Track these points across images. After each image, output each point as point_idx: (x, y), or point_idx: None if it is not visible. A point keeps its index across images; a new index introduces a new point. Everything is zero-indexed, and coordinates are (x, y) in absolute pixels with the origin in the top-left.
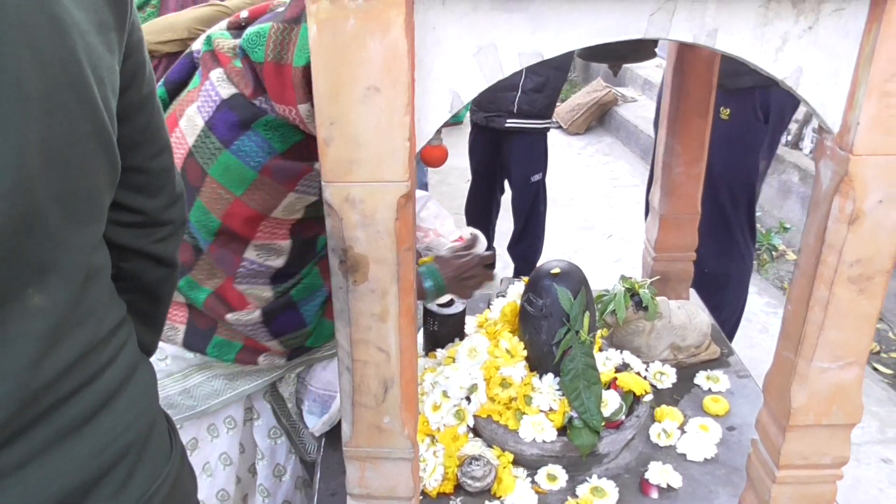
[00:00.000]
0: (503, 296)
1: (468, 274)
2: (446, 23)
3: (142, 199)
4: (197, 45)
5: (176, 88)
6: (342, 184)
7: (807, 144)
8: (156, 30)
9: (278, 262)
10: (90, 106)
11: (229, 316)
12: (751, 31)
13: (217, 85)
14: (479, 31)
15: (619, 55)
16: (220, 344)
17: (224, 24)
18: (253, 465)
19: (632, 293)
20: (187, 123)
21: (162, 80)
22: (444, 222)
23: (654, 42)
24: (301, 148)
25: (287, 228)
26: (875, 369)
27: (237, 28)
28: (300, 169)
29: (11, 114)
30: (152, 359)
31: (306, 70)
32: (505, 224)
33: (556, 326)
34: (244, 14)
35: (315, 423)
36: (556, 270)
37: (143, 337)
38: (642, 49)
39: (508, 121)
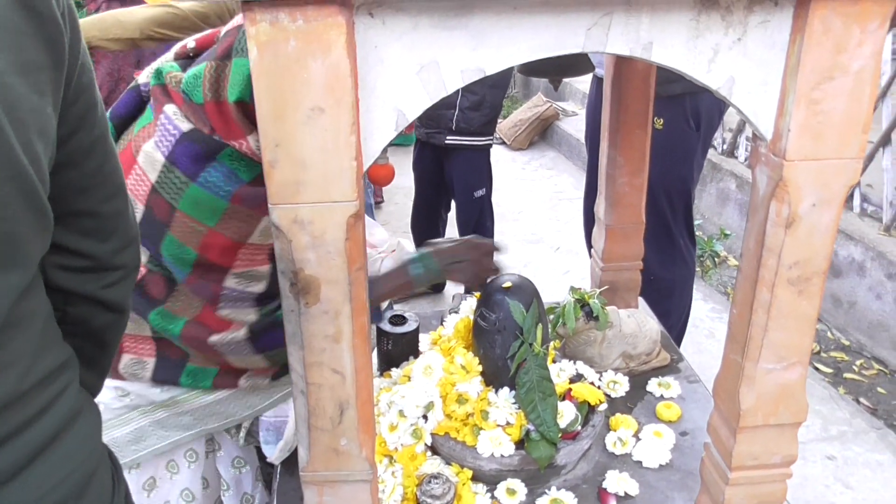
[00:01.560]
0: (456, 312)
1: (463, 258)
2: (387, 42)
3: (91, 243)
4: (143, 79)
5: (123, 123)
6: (289, 205)
7: (741, 153)
8: (103, 27)
9: (259, 287)
10: (3, 149)
11: (212, 338)
12: (684, 43)
13: (174, 119)
14: (420, 49)
15: (558, 70)
16: (193, 372)
17: (171, 54)
18: (219, 498)
19: (582, 304)
20: (146, 160)
21: (109, 115)
22: (374, 231)
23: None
24: None
25: (266, 253)
26: (816, 369)
27: (185, 58)
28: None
29: None
30: (112, 397)
31: (240, 105)
32: None
33: (509, 340)
34: (191, 44)
35: (272, 452)
36: (508, 284)
37: (85, 381)
38: (580, 63)
39: (448, 138)
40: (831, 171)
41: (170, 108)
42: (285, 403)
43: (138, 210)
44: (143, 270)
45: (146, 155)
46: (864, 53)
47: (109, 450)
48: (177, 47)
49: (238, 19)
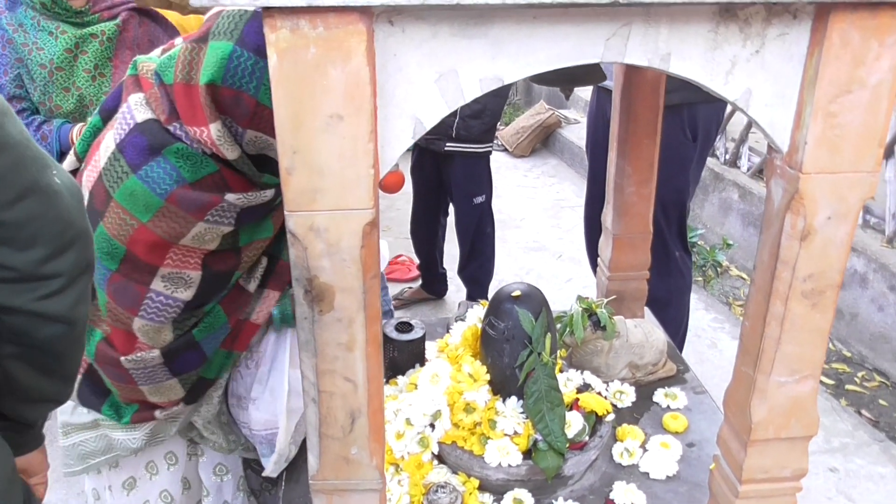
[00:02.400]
0: (462, 320)
1: None
2: (407, 50)
3: (7, 252)
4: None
5: (109, 116)
6: (306, 213)
7: (744, 163)
8: None
9: (187, 294)
10: None
11: (125, 359)
12: (702, 55)
13: (134, 109)
14: (439, 57)
15: (570, 79)
16: (115, 405)
17: (158, 50)
18: (199, 502)
19: (589, 313)
20: (103, 148)
21: (98, 109)
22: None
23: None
24: (215, 180)
25: (199, 258)
26: None
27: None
28: (209, 200)
29: None
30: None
31: (210, 88)
32: (455, 248)
33: (518, 349)
34: (178, 41)
35: (268, 465)
36: (517, 293)
37: (47, 389)
38: (592, 73)
39: (447, 145)
40: (847, 185)
41: (134, 98)
42: (273, 417)
43: (85, 199)
44: None
45: (105, 144)
46: (881, 67)
47: (25, 485)
48: (167, 45)
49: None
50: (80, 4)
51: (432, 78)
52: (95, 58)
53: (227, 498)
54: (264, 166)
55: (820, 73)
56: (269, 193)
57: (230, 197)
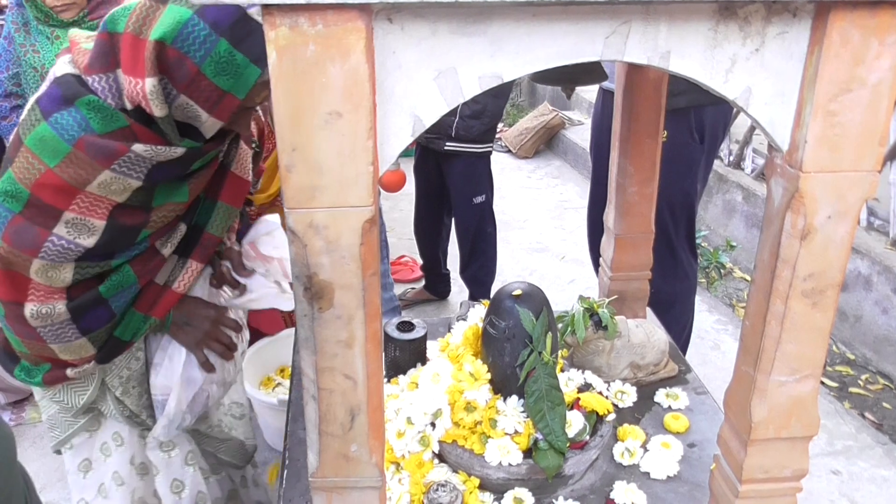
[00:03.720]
0: (464, 319)
1: (194, 321)
2: (406, 47)
3: None
4: None
5: None
6: (305, 210)
7: (748, 164)
8: None
9: (89, 241)
10: None
11: (28, 309)
12: (701, 53)
13: (57, 66)
14: (438, 54)
15: (571, 78)
16: (26, 368)
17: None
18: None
19: (591, 313)
20: (27, 105)
21: None
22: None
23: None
24: (124, 133)
25: (107, 209)
26: (821, 382)
27: None
28: (116, 148)
29: None
30: None
31: (158, 45)
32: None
33: (518, 348)
34: None
35: (155, 428)
36: (518, 292)
37: None
38: (593, 72)
39: (447, 144)
40: (847, 184)
41: (63, 59)
42: (170, 383)
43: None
44: None
45: (29, 102)
46: (881, 66)
47: (24, 471)
48: None
49: None
50: (72, 16)
51: (431, 75)
52: None
53: (177, 475)
54: (186, 133)
55: (820, 72)
56: (179, 151)
57: (137, 147)
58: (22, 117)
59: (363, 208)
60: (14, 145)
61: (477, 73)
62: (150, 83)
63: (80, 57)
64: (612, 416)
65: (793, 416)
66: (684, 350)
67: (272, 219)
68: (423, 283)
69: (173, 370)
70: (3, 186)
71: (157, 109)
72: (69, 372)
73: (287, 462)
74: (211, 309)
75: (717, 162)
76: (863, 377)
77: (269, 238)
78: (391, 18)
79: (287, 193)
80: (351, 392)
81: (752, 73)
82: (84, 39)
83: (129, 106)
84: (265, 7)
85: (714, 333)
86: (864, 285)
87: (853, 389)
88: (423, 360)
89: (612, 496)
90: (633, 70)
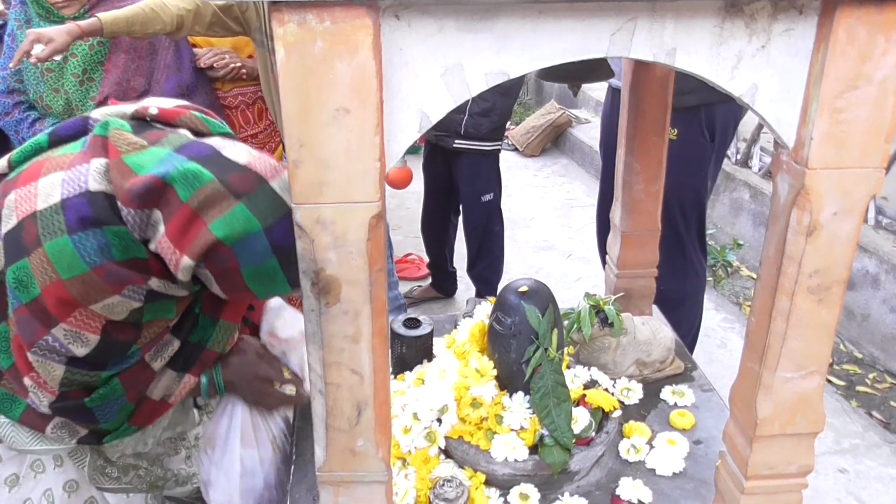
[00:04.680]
0: (470, 316)
1: (244, 380)
2: (413, 44)
3: None
4: (96, 115)
5: (58, 142)
6: (312, 205)
7: (755, 163)
8: (146, 20)
9: (81, 351)
10: None
11: (26, 380)
12: (707, 49)
13: (91, 175)
14: (445, 51)
15: (577, 75)
16: (3, 397)
17: (130, 110)
18: (91, 498)
19: (597, 310)
20: (46, 186)
21: (49, 131)
22: (287, 319)
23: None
24: (139, 263)
25: (100, 324)
26: (829, 381)
27: (141, 119)
28: (133, 278)
29: None
30: None
31: (217, 242)
32: (465, 247)
33: (524, 345)
34: (153, 111)
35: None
36: (524, 289)
37: None
38: (600, 69)
39: (456, 142)
40: (853, 180)
41: (96, 163)
42: (230, 498)
43: (10, 222)
44: None
45: (49, 183)
46: (888, 63)
47: None
48: (138, 106)
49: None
50: (73, 12)
51: (438, 72)
52: (84, 62)
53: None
54: (197, 282)
55: (826, 69)
56: (186, 291)
57: (153, 282)
58: (40, 207)
59: (370, 204)
60: (30, 235)
61: (483, 70)
62: (188, 262)
63: (118, 177)
64: (617, 413)
65: (798, 412)
66: (692, 348)
67: (275, 303)
68: (429, 280)
69: (230, 485)
70: (18, 274)
71: (182, 276)
72: (48, 428)
73: (294, 457)
74: (256, 367)
75: (724, 160)
76: (870, 376)
77: (282, 321)
78: (398, 15)
79: (294, 189)
80: (358, 387)
81: (758, 70)
82: (126, 147)
83: (153, 247)
84: (273, 4)
85: (721, 332)
86: (872, 284)
87: (860, 388)
88: (430, 357)
89: (617, 492)
90: (640, 67)
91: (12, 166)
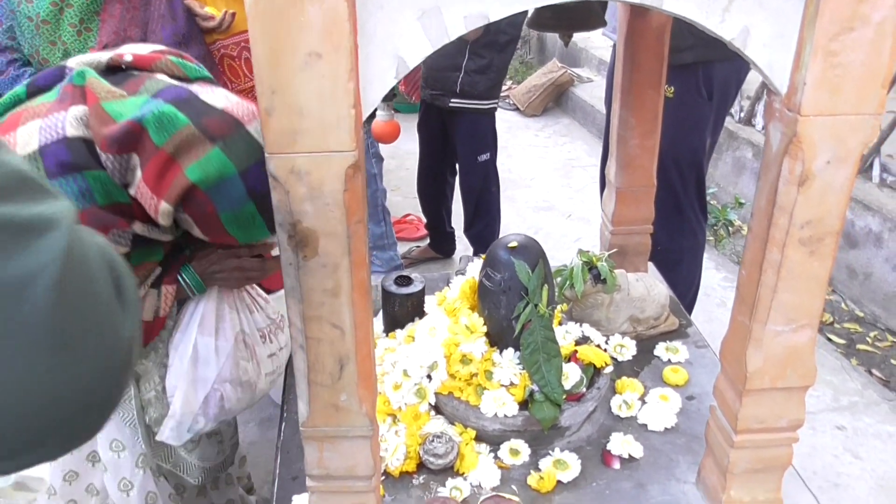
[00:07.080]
0: (462, 274)
1: (223, 266)
2: None
3: None
4: (72, 63)
5: (36, 92)
6: (286, 155)
7: (759, 121)
8: None
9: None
10: None
11: None
12: None
13: (68, 121)
14: None
15: (568, 24)
16: None
17: (105, 58)
18: (91, 484)
19: (590, 266)
20: (24, 136)
21: (27, 82)
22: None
23: (604, 10)
24: (123, 209)
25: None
26: (829, 339)
27: (116, 67)
28: (116, 222)
29: None
30: None
31: (192, 186)
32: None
33: (514, 301)
34: (128, 58)
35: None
36: (514, 244)
37: None
38: (591, 18)
39: (452, 100)
40: (848, 128)
41: (75, 110)
42: (178, 381)
43: None
44: None
45: (27, 131)
46: (886, 3)
47: None
48: (113, 53)
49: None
50: None
51: (415, 15)
52: (81, 12)
53: (126, 475)
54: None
55: (821, 10)
56: (171, 235)
57: (137, 227)
58: (20, 154)
59: (346, 153)
60: None
61: (462, 13)
62: (166, 207)
63: (96, 123)
64: (609, 369)
65: (789, 366)
66: (691, 307)
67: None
68: (427, 241)
69: (182, 368)
70: None
71: (162, 220)
72: None
73: (285, 415)
74: (232, 258)
75: (727, 118)
76: (871, 334)
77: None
78: None
79: (268, 137)
80: (339, 341)
81: (750, 13)
82: (104, 94)
83: (133, 192)
84: None
85: (721, 291)
86: (875, 242)
87: (861, 346)
88: (421, 315)
89: (608, 447)
90: (635, 18)
91: None
